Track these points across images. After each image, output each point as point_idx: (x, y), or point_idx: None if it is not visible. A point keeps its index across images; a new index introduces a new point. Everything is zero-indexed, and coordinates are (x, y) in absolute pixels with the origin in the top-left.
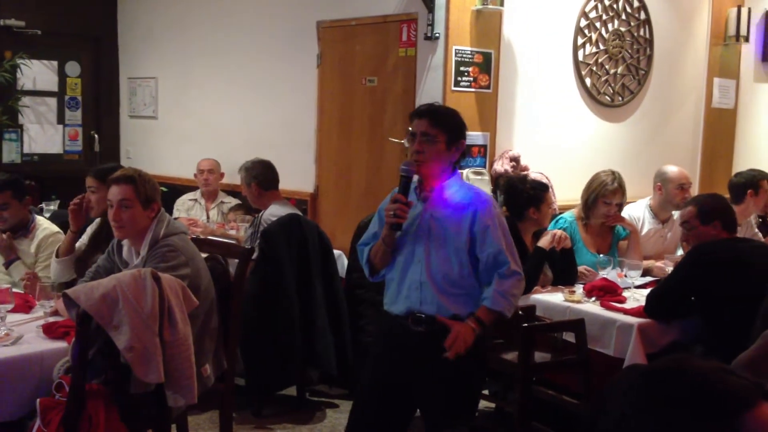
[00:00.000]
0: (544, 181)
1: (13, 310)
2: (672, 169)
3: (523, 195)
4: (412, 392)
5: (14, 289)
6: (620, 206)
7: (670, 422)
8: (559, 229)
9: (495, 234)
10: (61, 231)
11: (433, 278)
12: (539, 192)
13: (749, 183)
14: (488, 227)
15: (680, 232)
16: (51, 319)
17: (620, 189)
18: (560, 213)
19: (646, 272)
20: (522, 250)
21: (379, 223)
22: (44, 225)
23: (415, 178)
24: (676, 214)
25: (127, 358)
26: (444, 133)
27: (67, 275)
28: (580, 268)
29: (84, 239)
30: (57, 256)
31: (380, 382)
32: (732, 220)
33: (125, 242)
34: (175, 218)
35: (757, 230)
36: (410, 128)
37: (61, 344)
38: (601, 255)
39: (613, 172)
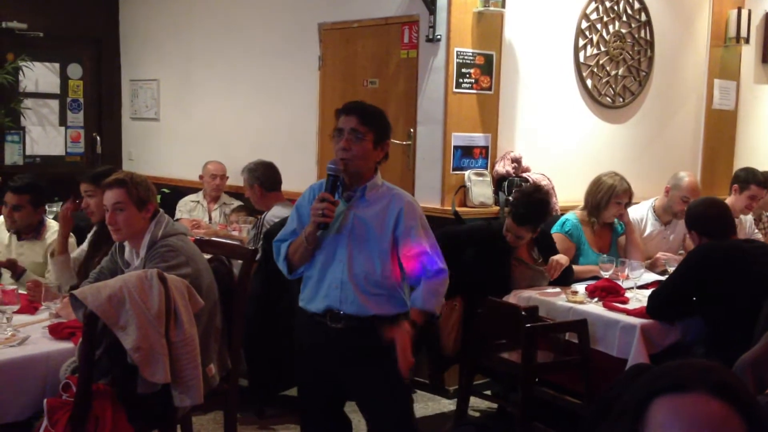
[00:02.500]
0: (545, 182)
1: (19, 311)
2: (685, 180)
3: (515, 205)
4: (339, 381)
5: (20, 291)
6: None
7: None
8: (566, 230)
9: (418, 234)
10: (72, 234)
11: (355, 278)
12: (522, 217)
13: (739, 179)
14: (412, 228)
15: (683, 234)
16: (57, 320)
17: (629, 187)
18: (562, 213)
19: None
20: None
21: (297, 220)
22: (55, 227)
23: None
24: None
25: (133, 358)
26: (372, 131)
27: (66, 276)
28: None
29: (84, 246)
30: (52, 255)
31: (307, 378)
32: (715, 228)
33: (126, 243)
34: (177, 219)
35: (756, 230)
36: (337, 125)
37: (67, 345)
38: (604, 255)
39: (615, 174)
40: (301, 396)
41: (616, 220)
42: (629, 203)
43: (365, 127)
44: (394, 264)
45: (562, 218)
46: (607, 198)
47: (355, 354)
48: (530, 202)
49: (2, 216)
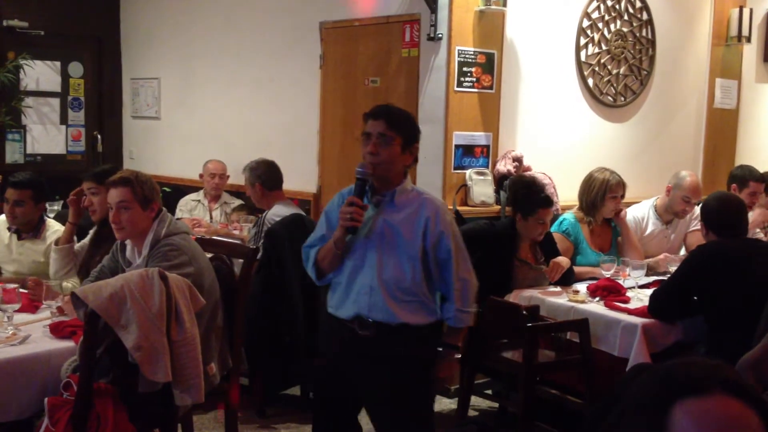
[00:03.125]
0: (546, 181)
1: (20, 310)
2: (687, 179)
3: (517, 198)
4: (359, 393)
5: (21, 290)
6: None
7: (625, 407)
8: (564, 229)
9: (447, 242)
10: None
11: (384, 284)
12: (532, 204)
13: (737, 177)
14: (441, 235)
15: (684, 233)
16: (58, 319)
17: (621, 179)
18: (562, 212)
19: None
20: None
21: (326, 225)
22: (55, 227)
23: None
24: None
25: (135, 357)
26: (400, 135)
27: (68, 265)
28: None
29: (85, 241)
30: (56, 244)
31: (327, 383)
32: (722, 225)
33: (128, 242)
34: (178, 219)
35: (758, 230)
36: (365, 129)
37: (68, 343)
38: (604, 255)
39: (605, 168)
40: (316, 400)
41: None
42: (623, 195)
43: (393, 131)
44: (424, 270)
45: (560, 218)
46: (602, 194)
47: (381, 363)
48: (536, 187)
49: (2, 215)
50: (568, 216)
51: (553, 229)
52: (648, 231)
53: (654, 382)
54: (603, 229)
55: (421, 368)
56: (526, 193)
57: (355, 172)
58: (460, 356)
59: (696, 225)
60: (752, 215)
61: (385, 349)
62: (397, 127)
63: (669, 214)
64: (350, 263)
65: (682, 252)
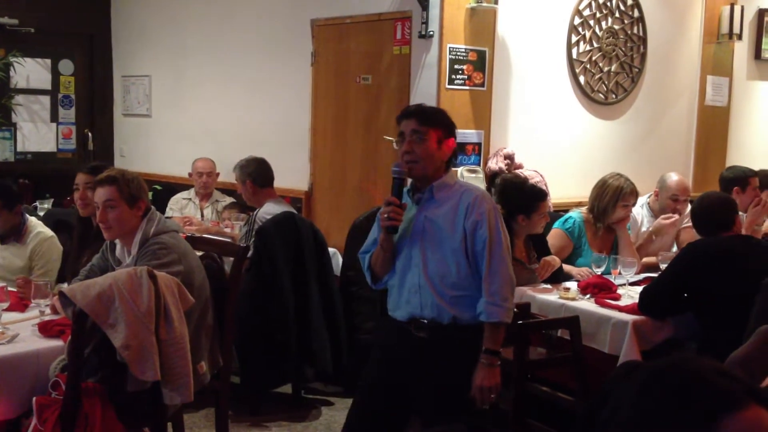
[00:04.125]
0: (538, 179)
1: (9, 309)
2: (671, 179)
3: (515, 200)
4: (410, 395)
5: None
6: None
7: (653, 418)
8: (568, 227)
9: (484, 229)
10: (55, 236)
11: (431, 280)
12: (532, 201)
13: (737, 179)
14: (478, 222)
15: (676, 231)
16: (47, 318)
17: (635, 189)
18: (555, 210)
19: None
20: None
21: (377, 229)
22: (38, 228)
23: (410, 180)
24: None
25: (123, 356)
26: (433, 131)
27: None
28: (582, 270)
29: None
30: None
31: (380, 385)
32: (703, 223)
33: (117, 241)
34: (169, 217)
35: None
36: (400, 130)
37: (56, 342)
38: (595, 254)
39: (620, 175)
40: (361, 402)
41: None
42: (634, 203)
43: (425, 127)
44: (470, 263)
45: (566, 215)
46: (614, 201)
47: (436, 366)
48: (526, 183)
49: None
50: (575, 215)
51: (557, 225)
52: (643, 229)
53: (685, 395)
54: (605, 232)
55: (470, 368)
56: (521, 193)
57: (391, 171)
58: (493, 362)
59: (688, 222)
60: (745, 216)
61: (440, 350)
62: (429, 123)
63: (662, 213)
64: (399, 264)
65: (674, 250)
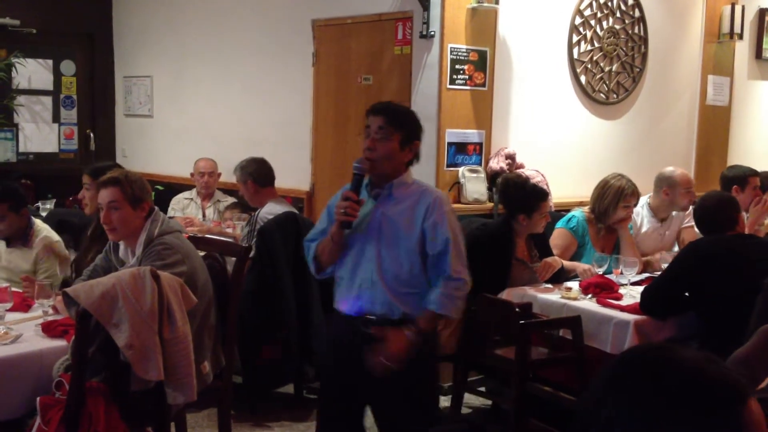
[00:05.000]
0: (539, 178)
1: (12, 309)
2: (678, 173)
3: (516, 200)
4: (368, 393)
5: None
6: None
7: (665, 415)
8: (572, 227)
9: (444, 231)
10: (60, 239)
11: (384, 277)
12: (534, 200)
13: (736, 178)
14: (437, 224)
15: (677, 230)
16: (50, 318)
17: (637, 190)
18: (556, 210)
19: (646, 266)
20: (509, 253)
21: (328, 219)
22: (44, 232)
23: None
24: (675, 214)
25: (126, 355)
26: (398, 131)
27: None
28: (585, 267)
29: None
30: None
31: (336, 387)
32: (705, 222)
33: (121, 242)
34: (171, 217)
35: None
36: (366, 124)
37: (60, 342)
38: (597, 253)
39: (621, 176)
40: (322, 397)
41: None
42: (636, 204)
43: (391, 127)
44: (423, 262)
45: (569, 214)
46: (615, 202)
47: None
48: (528, 183)
49: None
50: (578, 214)
51: (560, 224)
52: (644, 229)
53: (706, 388)
54: (608, 231)
55: (424, 363)
56: (522, 193)
57: (352, 166)
58: (413, 340)
59: (690, 221)
60: (747, 216)
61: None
62: (396, 123)
63: (665, 211)
64: (350, 258)
65: (675, 249)
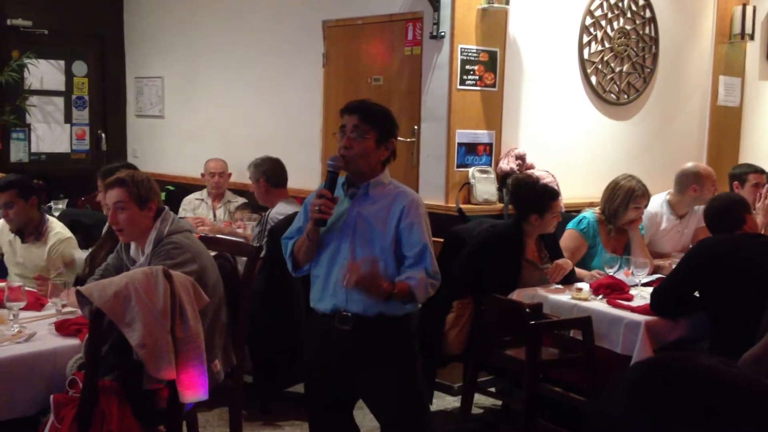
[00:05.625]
0: (549, 179)
1: (26, 308)
2: (702, 168)
3: (528, 200)
4: (351, 391)
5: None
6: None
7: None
8: (582, 228)
9: (420, 232)
10: (72, 237)
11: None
12: (545, 200)
13: (735, 175)
14: (413, 224)
15: (695, 228)
16: (63, 317)
17: (647, 191)
18: (566, 211)
19: (658, 270)
20: (519, 255)
21: (304, 217)
22: (57, 229)
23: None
24: (699, 209)
25: (139, 354)
26: (374, 130)
27: None
28: (593, 273)
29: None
30: None
31: (315, 381)
32: (714, 222)
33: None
34: (182, 218)
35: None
36: (342, 123)
37: (73, 341)
38: (607, 254)
39: (632, 176)
40: (308, 398)
41: None
42: (646, 205)
43: (367, 126)
44: (398, 262)
45: (580, 215)
46: (625, 203)
47: (365, 357)
48: (538, 183)
49: (3, 219)
50: (589, 215)
51: (571, 226)
52: (663, 226)
53: (751, 398)
54: (619, 232)
55: (403, 359)
56: (533, 193)
57: (326, 164)
58: (385, 287)
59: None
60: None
61: (365, 343)
62: (371, 122)
63: (685, 207)
64: (326, 256)
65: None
